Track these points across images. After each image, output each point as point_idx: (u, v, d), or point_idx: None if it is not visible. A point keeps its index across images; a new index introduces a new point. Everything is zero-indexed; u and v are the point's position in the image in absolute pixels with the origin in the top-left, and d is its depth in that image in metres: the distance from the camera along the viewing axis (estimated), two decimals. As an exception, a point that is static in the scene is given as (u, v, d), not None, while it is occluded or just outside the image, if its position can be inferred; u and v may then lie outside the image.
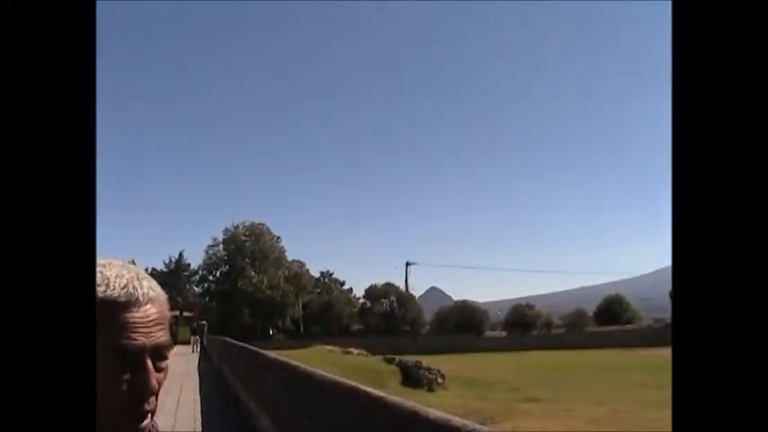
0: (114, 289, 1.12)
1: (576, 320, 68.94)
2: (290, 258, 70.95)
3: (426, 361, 32.62)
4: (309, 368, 7.13)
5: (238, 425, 11.90)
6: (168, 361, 1.21)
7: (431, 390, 28.80)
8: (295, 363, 8.32)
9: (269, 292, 63.81)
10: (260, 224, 69.87)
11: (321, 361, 24.57)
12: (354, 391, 4.81)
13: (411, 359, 32.74)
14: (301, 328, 67.14)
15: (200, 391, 17.58)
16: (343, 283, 76.54)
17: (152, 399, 1.15)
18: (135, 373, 1.12)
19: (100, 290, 1.11)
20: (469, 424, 2.83)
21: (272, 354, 12.34)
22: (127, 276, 1.16)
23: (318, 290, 72.89)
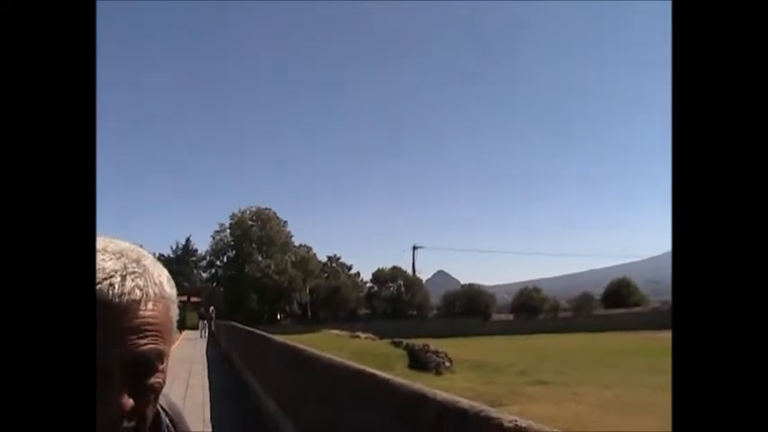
0: None
1: (583, 304, 68.93)
2: (296, 243, 71.14)
3: (434, 345, 32.70)
4: (317, 352, 7.15)
5: (246, 409, 11.96)
6: (160, 374, 1.03)
7: (438, 373, 28.86)
8: (302, 347, 8.35)
9: (276, 277, 63.99)
10: (266, 209, 70.00)
11: (328, 345, 24.66)
12: (362, 375, 4.83)
13: (418, 343, 32.80)
14: (309, 313, 67.37)
15: (208, 376, 17.66)
16: (350, 268, 76.86)
17: (128, 417, 0.98)
18: (103, 388, 0.94)
19: None
20: (477, 406, 2.84)
21: (279, 338, 12.38)
22: (109, 270, 0.98)
23: (325, 274, 73.12)
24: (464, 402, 2.92)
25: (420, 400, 3.36)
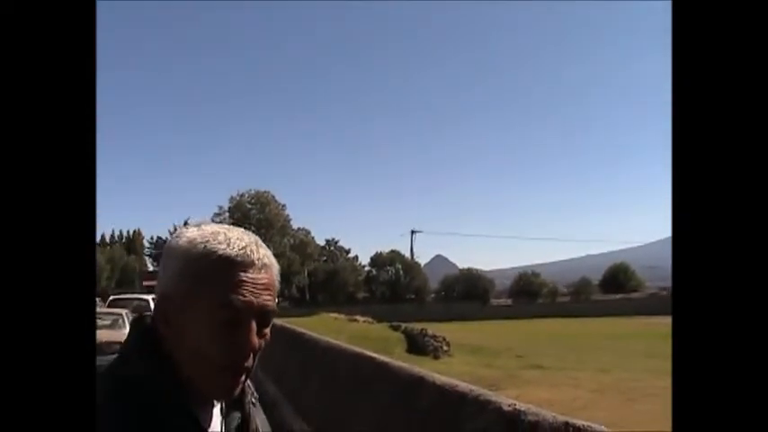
0: (233, 248, 1.23)
1: (581, 289, 69.14)
2: (295, 226, 71.38)
3: (432, 329, 32.65)
4: (316, 335, 7.17)
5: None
6: (269, 327, 1.29)
7: (436, 357, 28.83)
8: (301, 330, 8.37)
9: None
10: (265, 192, 70.17)
11: (327, 329, 24.67)
12: (361, 358, 4.84)
13: (416, 327, 32.82)
14: (307, 296, 67.61)
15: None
16: (348, 251, 77.03)
17: (251, 357, 1.24)
18: (239, 329, 1.21)
19: (221, 247, 1.22)
20: (475, 389, 2.85)
21: (277, 322, 12.41)
22: (246, 240, 1.27)
23: (324, 258, 73.41)
24: (463, 386, 2.94)
25: (419, 383, 3.37)
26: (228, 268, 1.21)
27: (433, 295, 71.75)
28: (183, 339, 1.21)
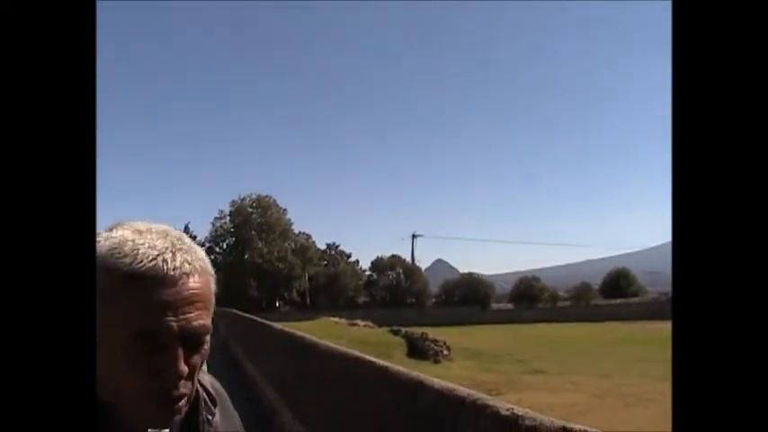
0: (142, 262, 1.02)
1: (581, 294, 69.06)
2: (296, 231, 71.26)
3: (432, 333, 32.62)
4: (316, 340, 7.17)
5: (244, 396, 11.98)
6: (206, 342, 1.11)
7: (436, 362, 28.79)
8: (301, 334, 8.37)
9: (276, 264, 64.05)
10: (266, 196, 70.09)
11: (327, 333, 24.63)
12: (360, 362, 4.84)
13: (417, 331, 32.74)
14: (308, 301, 67.46)
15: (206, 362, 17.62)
16: (349, 256, 76.80)
17: (183, 383, 1.06)
18: (162, 356, 1.03)
19: (125, 262, 1.01)
20: (474, 394, 2.85)
21: (278, 326, 12.40)
22: (160, 247, 1.04)
23: (325, 262, 73.23)
24: (461, 390, 2.94)
25: (418, 387, 3.38)
26: (138, 288, 1.01)
27: (433, 300, 71.75)
28: (100, 369, 0.99)
